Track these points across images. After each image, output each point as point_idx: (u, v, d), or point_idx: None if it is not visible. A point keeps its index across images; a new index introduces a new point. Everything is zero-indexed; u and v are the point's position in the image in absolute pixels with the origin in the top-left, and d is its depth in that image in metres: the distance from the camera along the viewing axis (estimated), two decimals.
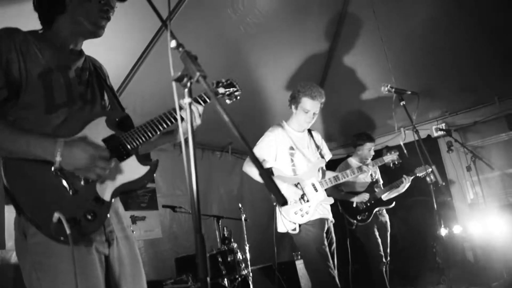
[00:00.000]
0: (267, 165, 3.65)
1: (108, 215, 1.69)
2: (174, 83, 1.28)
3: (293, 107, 3.69)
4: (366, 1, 4.49)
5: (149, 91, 4.16)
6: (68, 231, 1.43)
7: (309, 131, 3.87)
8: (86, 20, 1.72)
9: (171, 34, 1.36)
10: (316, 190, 3.54)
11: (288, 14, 4.70)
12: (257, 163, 1.10)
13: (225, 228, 4.59)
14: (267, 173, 1.08)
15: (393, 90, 3.27)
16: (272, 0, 4.39)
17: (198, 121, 1.86)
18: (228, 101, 2.13)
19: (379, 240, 4.69)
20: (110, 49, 3.34)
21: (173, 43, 1.35)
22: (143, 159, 1.75)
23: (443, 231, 5.52)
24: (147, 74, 4.23)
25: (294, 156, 3.59)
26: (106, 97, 1.93)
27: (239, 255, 4.40)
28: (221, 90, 2.05)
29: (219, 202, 6.01)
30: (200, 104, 1.88)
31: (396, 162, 4.19)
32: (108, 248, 1.69)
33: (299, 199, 3.45)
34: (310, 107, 3.57)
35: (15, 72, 1.57)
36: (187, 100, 1.27)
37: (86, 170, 1.56)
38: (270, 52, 4.99)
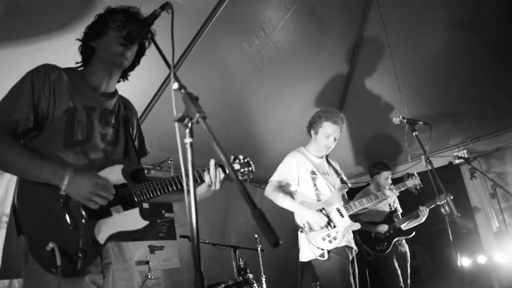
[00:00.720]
0: (290, 189, 3.61)
1: (109, 247, 1.77)
2: (176, 124, 1.34)
3: (312, 132, 3.69)
4: (380, 30, 4.51)
5: (165, 126, 4.26)
6: (59, 263, 1.50)
7: (327, 159, 3.85)
8: (108, 53, 1.88)
9: (175, 76, 1.44)
10: (341, 215, 3.48)
11: (303, 44, 4.76)
12: (251, 203, 1.13)
13: (240, 259, 4.56)
14: (259, 213, 1.11)
15: (405, 120, 3.25)
16: (286, 32, 4.47)
17: (217, 186, 1.92)
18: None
19: (399, 272, 4.57)
20: (129, 85, 3.50)
21: (175, 85, 1.42)
22: (146, 213, 1.81)
23: (466, 262, 5.34)
24: (162, 110, 4.34)
25: (316, 181, 3.55)
26: (128, 143, 2.04)
27: (255, 286, 4.35)
28: (236, 166, 2.04)
29: (237, 232, 6.01)
30: (224, 171, 1.92)
31: (418, 187, 4.09)
32: (103, 280, 1.74)
33: (326, 225, 3.39)
34: (331, 132, 3.57)
35: (44, 107, 1.72)
36: (188, 140, 1.33)
37: (87, 199, 1.63)
38: (286, 82, 5.04)
